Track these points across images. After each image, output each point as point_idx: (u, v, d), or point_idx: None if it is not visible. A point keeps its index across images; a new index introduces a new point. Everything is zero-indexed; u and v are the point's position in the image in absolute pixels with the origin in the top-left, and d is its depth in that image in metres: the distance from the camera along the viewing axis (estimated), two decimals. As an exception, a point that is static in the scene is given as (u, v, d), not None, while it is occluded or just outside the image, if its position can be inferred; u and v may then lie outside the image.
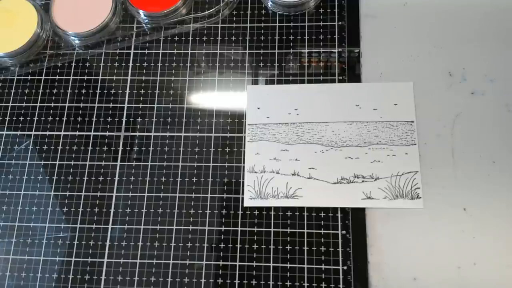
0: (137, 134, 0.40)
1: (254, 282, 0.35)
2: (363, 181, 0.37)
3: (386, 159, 0.37)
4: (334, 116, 0.39)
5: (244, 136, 0.39)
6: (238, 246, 0.36)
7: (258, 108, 0.40)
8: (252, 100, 0.40)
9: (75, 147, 0.40)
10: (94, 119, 0.41)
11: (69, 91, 0.42)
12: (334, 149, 0.38)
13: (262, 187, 0.37)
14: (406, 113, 0.38)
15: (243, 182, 0.38)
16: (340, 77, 0.40)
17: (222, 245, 0.36)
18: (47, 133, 0.41)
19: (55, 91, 0.42)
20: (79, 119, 0.41)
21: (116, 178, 0.39)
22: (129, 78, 0.42)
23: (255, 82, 0.41)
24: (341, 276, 0.35)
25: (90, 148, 0.40)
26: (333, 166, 0.37)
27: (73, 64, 0.43)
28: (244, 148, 0.39)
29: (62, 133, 0.41)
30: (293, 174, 0.37)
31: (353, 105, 0.39)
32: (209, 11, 0.43)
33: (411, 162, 0.37)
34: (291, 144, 0.38)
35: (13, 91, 0.43)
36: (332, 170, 0.37)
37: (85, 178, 0.39)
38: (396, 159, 0.37)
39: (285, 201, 0.37)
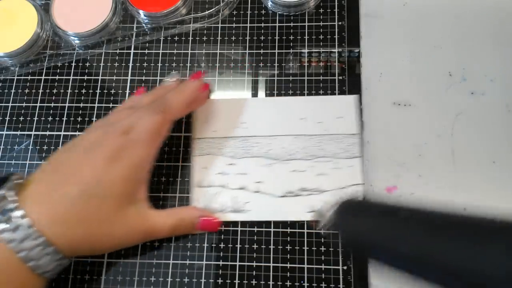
0: (137, 134, 0.40)
1: (254, 282, 0.35)
2: (309, 194, 0.36)
3: (331, 172, 0.37)
4: (281, 130, 0.38)
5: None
6: (238, 246, 0.36)
7: (205, 122, 0.39)
8: (200, 113, 0.40)
9: (75, 147, 0.40)
10: (94, 119, 0.41)
11: (69, 91, 0.42)
12: (280, 162, 0.37)
13: (209, 202, 0.37)
14: (350, 126, 0.38)
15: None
16: (340, 77, 0.40)
17: (222, 245, 0.36)
18: (47, 133, 0.41)
19: (55, 91, 0.42)
20: (79, 119, 0.41)
21: (116, 178, 0.39)
22: (129, 78, 0.42)
23: (255, 82, 0.41)
24: (341, 276, 0.35)
25: (90, 148, 0.40)
26: (280, 180, 0.37)
27: (73, 64, 0.43)
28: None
29: (62, 133, 0.41)
30: (240, 188, 0.37)
31: (298, 118, 0.39)
32: (209, 11, 0.43)
33: (354, 175, 0.37)
34: (239, 158, 0.38)
35: (13, 91, 0.43)
36: (279, 184, 0.37)
37: (85, 178, 0.39)
38: (340, 172, 0.37)
39: (233, 215, 0.37)
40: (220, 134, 0.39)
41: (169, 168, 0.39)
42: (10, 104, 0.42)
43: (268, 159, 0.38)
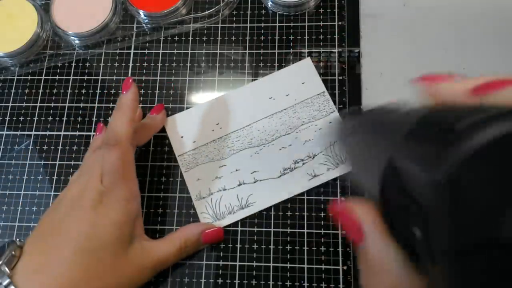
0: (137, 134, 0.40)
1: (254, 282, 0.35)
2: (303, 164, 0.37)
3: (316, 135, 0.38)
4: (254, 116, 0.39)
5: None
6: (238, 246, 0.36)
7: (182, 137, 0.39)
8: (172, 131, 0.40)
9: (75, 147, 0.40)
10: (94, 119, 0.41)
11: (69, 91, 0.42)
12: (266, 146, 0.38)
13: (215, 208, 0.37)
14: (315, 87, 0.39)
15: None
16: (340, 77, 0.40)
17: (222, 245, 0.36)
18: (47, 133, 0.41)
19: (55, 91, 0.42)
20: (79, 119, 0.41)
21: (116, 178, 0.39)
22: (129, 78, 0.42)
23: (255, 82, 0.41)
24: (341, 276, 0.35)
25: (90, 148, 0.40)
26: (272, 161, 0.37)
27: (73, 64, 0.43)
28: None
29: (62, 133, 0.41)
30: (239, 185, 0.37)
31: (267, 99, 0.39)
32: (209, 11, 0.43)
33: None
34: (226, 158, 0.38)
35: (13, 91, 0.43)
36: (273, 165, 0.37)
37: (85, 178, 0.39)
38: (323, 131, 0.38)
39: (242, 212, 0.37)
40: (200, 143, 0.39)
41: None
42: (10, 104, 0.42)
43: (253, 147, 0.38)
